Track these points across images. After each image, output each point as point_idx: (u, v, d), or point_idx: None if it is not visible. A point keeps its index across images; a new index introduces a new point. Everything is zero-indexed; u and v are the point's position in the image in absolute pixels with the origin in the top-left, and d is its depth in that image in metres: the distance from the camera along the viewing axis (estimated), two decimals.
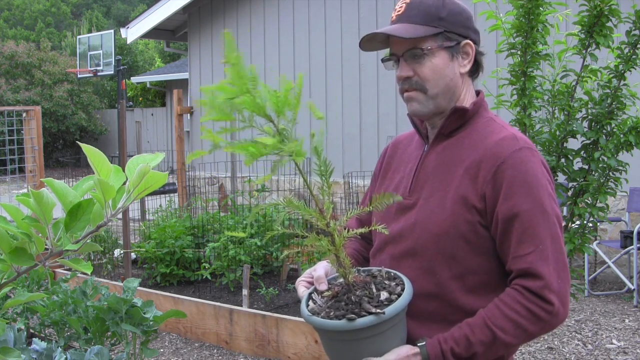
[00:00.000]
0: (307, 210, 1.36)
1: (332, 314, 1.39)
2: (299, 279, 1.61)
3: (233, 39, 1.14)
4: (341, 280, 1.50)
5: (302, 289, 1.57)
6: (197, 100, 10.17)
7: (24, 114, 6.45)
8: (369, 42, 1.56)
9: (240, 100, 1.17)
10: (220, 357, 4.39)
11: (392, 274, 1.51)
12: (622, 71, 3.31)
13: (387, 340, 1.40)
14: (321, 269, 1.56)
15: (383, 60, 1.61)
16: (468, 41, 1.55)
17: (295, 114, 1.26)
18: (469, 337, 1.41)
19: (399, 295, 1.41)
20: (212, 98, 1.16)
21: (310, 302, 1.48)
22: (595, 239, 5.22)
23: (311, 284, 1.56)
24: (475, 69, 1.60)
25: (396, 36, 1.50)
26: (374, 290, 1.43)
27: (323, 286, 1.50)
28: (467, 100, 1.59)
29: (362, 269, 1.54)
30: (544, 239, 1.42)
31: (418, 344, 1.43)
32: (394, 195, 1.43)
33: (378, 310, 1.35)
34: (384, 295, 1.41)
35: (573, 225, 3.46)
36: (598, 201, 3.35)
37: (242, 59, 1.14)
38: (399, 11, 1.55)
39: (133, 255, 6.49)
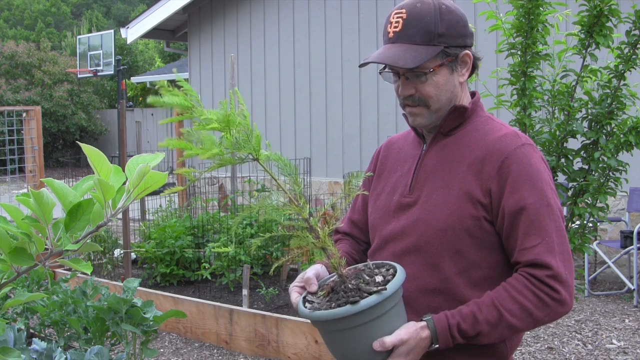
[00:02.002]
0: (288, 206, 1.40)
1: (333, 305, 1.39)
2: (291, 285, 1.60)
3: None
4: (332, 279, 1.51)
5: (295, 295, 1.56)
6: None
7: (24, 114, 6.45)
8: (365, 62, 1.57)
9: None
10: (220, 357, 4.39)
11: (379, 263, 1.52)
12: (622, 71, 3.30)
13: (392, 322, 1.41)
14: (311, 271, 1.58)
15: (380, 72, 1.61)
16: (466, 51, 1.55)
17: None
18: (476, 315, 1.42)
19: (392, 276, 1.43)
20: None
21: (307, 304, 1.48)
22: (595, 239, 5.21)
23: (304, 288, 1.56)
24: (471, 73, 1.62)
25: (401, 67, 1.49)
26: (367, 277, 1.45)
27: (313, 287, 1.52)
28: (464, 101, 1.61)
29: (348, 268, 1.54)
30: (549, 232, 1.45)
31: (424, 318, 1.45)
32: (365, 173, 1.51)
33: (380, 287, 1.37)
34: (378, 278, 1.43)
35: (573, 225, 3.46)
36: (598, 201, 3.34)
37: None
38: (395, 27, 1.52)
39: (133, 255, 6.49)
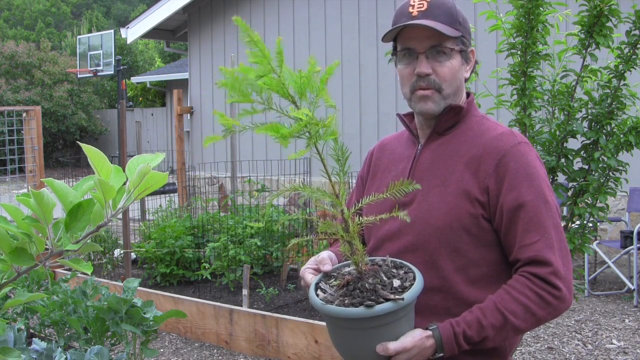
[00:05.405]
0: (324, 193, 1.36)
1: (347, 301, 1.38)
2: (303, 267, 1.59)
3: (246, 24, 1.12)
4: (347, 269, 1.49)
5: (309, 276, 1.54)
6: (199, 98, 10.14)
7: (24, 114, 6.45)
8: (390, 33, 1.56)
9: (264, 80, 1.15)
10: (220, 357, 4.39)
11: (398, 262, 1.51)
12: (622, 71, 3.30)
13: (400, 327, 1.41)
14: (325, 253, 1.58)
15: (394, 53, 1.61)
16: (473, 48, 1.61)
17: (319, 97, 1.25)
18: (480, 321, 1.42)
19: (410, 282, 1.41)
20: (233, 80, 1.14)
21: (319, 292, 1.46)
22: (595, 239, 5.22)
23: (317, 271, 1.55)
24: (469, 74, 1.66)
25: (438, 30, 1.50)
26: (385, 278, 1.43)
27: (327, 267, 1.51)
28: (460, 101, 1.64)
29: (367, 258, 1.51)
30: (548, 228, 1.46)
31: (429, 327, 1.44)
32: (413, 183, 1.40)
33: (397, 297, 1.35)
34: (396, 282, 1.42)
35: (573, 225, 3.46)
36: (598, 201, 3.34)
37: (261, 39, 1.12)
38: (420, 7, 1.54)
39: (133, 255, 6.49)
